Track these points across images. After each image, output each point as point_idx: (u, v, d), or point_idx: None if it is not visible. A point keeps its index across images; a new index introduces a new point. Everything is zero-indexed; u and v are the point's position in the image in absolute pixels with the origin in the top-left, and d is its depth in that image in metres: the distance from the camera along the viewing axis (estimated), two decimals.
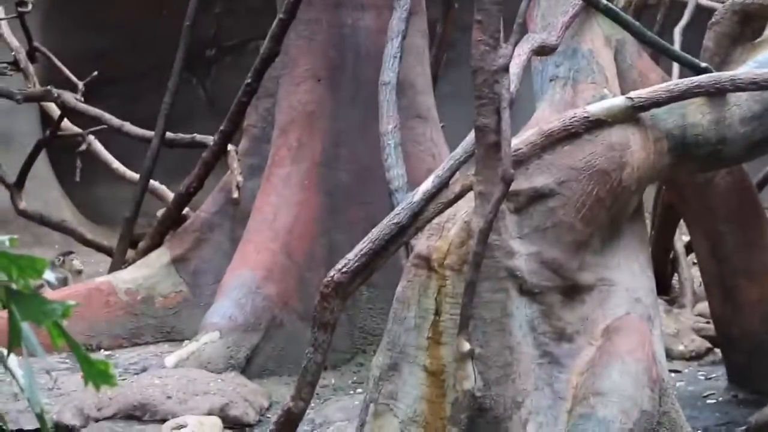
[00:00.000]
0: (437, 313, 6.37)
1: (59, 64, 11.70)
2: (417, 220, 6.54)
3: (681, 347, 7.90)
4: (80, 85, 11.37)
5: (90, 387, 3.57)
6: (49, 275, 3.37)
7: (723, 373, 7.56)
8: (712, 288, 7.61)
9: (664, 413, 6.26)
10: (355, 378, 7.24)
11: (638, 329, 6.41)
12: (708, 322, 7.92)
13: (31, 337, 3.30)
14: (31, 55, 11.65)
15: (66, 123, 11.46)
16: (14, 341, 3.24)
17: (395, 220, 6.58)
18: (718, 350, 7.74)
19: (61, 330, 3.31)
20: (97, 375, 3.46)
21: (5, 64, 11.67)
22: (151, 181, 9.83)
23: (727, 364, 7.53)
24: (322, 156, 8.74)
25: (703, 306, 8.07)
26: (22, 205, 10.88)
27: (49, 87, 11.17)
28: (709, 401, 7.32)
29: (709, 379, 7.66)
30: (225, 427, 7.16)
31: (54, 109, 11.50)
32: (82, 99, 11.23)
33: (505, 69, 6.16)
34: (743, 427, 6.89)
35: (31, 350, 3.33)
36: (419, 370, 6.37)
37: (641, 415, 6.18)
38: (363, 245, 6.50)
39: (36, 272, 3.24)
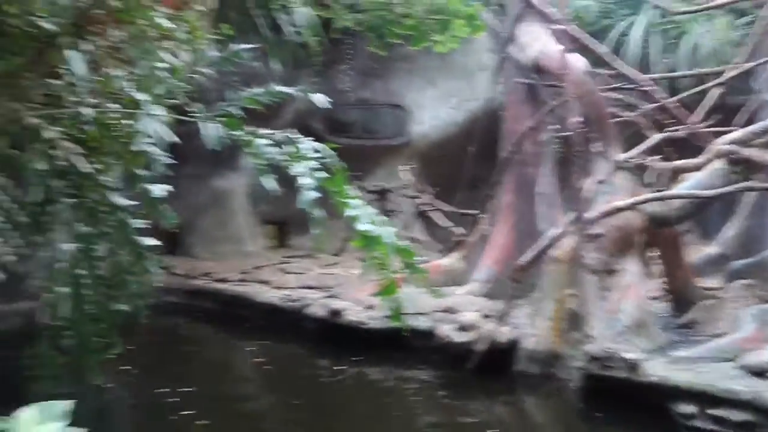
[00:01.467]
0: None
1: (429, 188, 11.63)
2: (550, 244, 6.48)
3: None
4: (431, 190, 11.30)
5: (432, 297, 3.60)
6: (418, 258, 3.44)
7: None
8: None
9: None
10: (527, 300, 6.99)
11: None
12: None
13: (417, 278, 3.35)
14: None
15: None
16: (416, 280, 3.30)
17: (543, 244, 6.52)
18: None
19: (424, 277, 3.37)
20: (436, 293, 3.53)
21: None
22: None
23: None
24: (515, 219, 8.31)
25: None
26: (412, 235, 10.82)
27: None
28: None
29: None
30: (483, 316, 6.88)
31: None
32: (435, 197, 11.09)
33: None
34: None
35: (415, 284, 3.41)
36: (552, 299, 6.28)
37: None
38: (530, 253, 6.45)
39: (410, 256, 3.32)
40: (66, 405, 1.98)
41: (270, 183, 3.22)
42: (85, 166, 3.86)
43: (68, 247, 4.24)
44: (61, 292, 4.23)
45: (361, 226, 2.99)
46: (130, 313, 4.46)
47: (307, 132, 3.90)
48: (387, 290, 3.31)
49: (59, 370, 4.21)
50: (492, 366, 6.28)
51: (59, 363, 4.25)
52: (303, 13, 8.68)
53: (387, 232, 3.07)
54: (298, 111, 11.08)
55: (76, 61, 3.42)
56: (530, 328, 6.34)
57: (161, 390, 5.78)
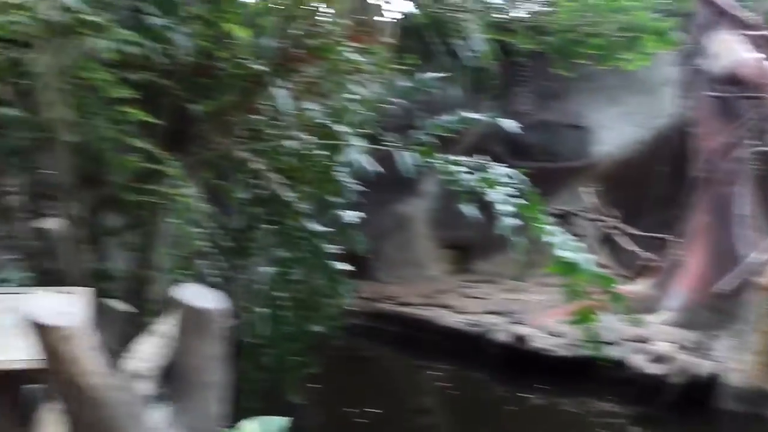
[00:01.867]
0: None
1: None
2: (754, 270, 6.02)
3: None
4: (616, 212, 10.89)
5: (628, 325, 3.45)
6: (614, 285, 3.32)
7: None
8: None
9: None
10: (728, 331, 6.48)
11: None
12: None
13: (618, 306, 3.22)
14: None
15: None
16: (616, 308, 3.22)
17: (746, 270, 6.09)
18: None
19: (625, 305, 3.26)
20: (635, 322, 3.39)
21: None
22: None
23: None
24: (710, 243, 7.70)
25: None
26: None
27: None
28: None
29: None
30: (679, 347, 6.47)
31: None
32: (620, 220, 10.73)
33: None
34: None
35: (616, 311, 3.29)
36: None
37: None
38: (731, 279, 6.04)
39: (609, 283, 3.22)
40: (283, 421, 2.12)
41: (470, 210, 3.26)
42: (286, 194, 4.12)
43: (267, 270, 4.55)
44: (261, 312, 4.53)
45: (561, 253, 2.94)
46: (323, 334, 4.68)
47: (487, 155, 3.94)
48: (583, 317, 3.22)
49: (259, 385, 4.49)
50: (689, 401, 5.91)
51: (259, 379, 4.54)
52: (480, 39, 8.76)
53: (585, 258, 3.00)
54: (478, 134, 11.13)
55: (283, 98, 3.67)
56: (733, 362, 5.89)
57: (350, 410, 5.97)
